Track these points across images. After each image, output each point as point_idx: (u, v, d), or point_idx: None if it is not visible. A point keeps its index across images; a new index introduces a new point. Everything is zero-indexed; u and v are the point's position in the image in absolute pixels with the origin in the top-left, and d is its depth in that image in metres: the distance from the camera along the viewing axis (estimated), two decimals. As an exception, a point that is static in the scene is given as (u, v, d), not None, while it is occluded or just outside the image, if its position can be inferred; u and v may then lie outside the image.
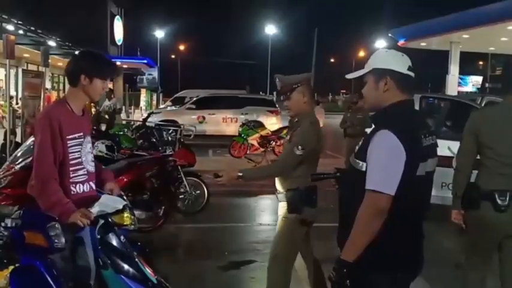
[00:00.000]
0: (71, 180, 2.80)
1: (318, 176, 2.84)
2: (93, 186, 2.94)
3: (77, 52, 3.34)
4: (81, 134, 2.87)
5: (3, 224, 2.16)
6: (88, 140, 2.94)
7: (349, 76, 2.48)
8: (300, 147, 3.18)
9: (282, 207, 3.33)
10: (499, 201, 2.94)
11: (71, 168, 2.80)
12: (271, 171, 3.43)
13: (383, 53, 2.36)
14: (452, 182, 3.26)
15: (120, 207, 2.89)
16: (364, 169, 2.12)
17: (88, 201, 2.78)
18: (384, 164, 2.06)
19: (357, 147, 2.27)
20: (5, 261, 2.37)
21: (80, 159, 2.85)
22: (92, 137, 3.53)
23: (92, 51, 3.19)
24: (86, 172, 2.88)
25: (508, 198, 2.94)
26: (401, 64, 2.24)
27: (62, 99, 2.98)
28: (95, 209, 2.70)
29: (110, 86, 23.64)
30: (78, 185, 2.83)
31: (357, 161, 2.19)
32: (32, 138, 5.35)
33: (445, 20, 15.45)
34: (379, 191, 2.04)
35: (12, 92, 16.46)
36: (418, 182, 2.13)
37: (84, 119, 2.98)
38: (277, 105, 17.15)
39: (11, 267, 2.25)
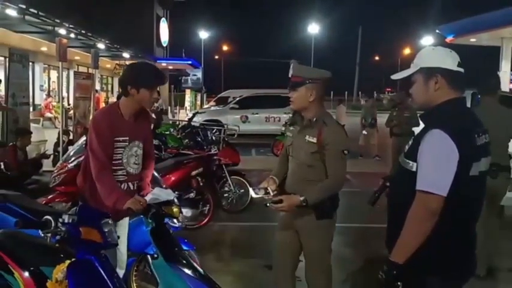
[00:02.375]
0: None
1: (374, 197, 2.76)
2: (131, 187, 3.12)
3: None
4: (127, 138, 3.03)
5: (60, 220, 2.26)
6: (134, 144, 3.09)
7: (395, 77, 2.40)
8: (345, 151, 3.05)
9: (302, 214, 3.09)
10: None
11: (113, 168, 3.00)
12: (334, 187, 3.09)
13: (430, 50, 2.29)
14: None
15: (172, 197, 3.10)
16: (414, 169, 2.08)
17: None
18: (436, 164, 2.01)
19: (407, 147, 2.22)
20: (62, 255, 2.48)
21: (120, 161, 3.04)
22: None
23: (141, 62, 3.34)
24: (125, 173, 3.07)
25: None
26: (450, 61, 2.18)
27: (115, 103, 3.12)
28: (148, 197, 2.94)
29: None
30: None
31: (407, 161, 2.15)
32: (83, 138, 5.56)
33: (495, 14, 14.84)
34: (430, 192, 1.99)
35: (64, 94, 17.09)
36: (471, 182, 2.07)
37: (136, 124, 3.10)
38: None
39: (68, 262, 2.35)
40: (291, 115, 3.37)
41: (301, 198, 2.96)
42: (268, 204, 3.03)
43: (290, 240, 3.28)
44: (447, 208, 2.01)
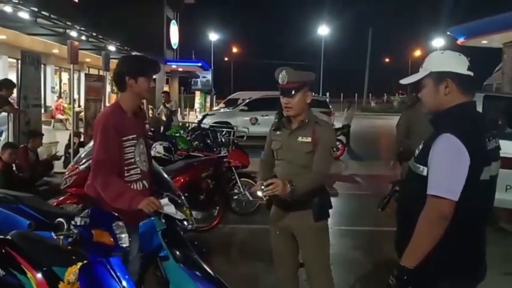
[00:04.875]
0: (125, 179, 2.97)
1: (384, 202, 2.76)
2: (146, 185, 3.10)
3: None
4: (135, 135, 3.02)
5: (73, 222, 2.27)
6: (141, 142, 3.09)
7: (404, 81, 2.38)
8: (334, 149, 3.18)
9: (298, 218, 3.12)
10: None
11: (125, 168, 2.98)
12: (319, 180, 3.12)
13: (439, 54, 2.28)
14: None
15: (178, 217, 3.04)
16: (425, 174, 2.08)
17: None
18: (447, 168, 2.01)
19: (417, 151, 2.22)
20: (74, 257, 2.50)
21: (133, 159, 3.01)
22: (150, 139, 3.65)
23: (131, 54, 3.39)
24: (139, 171, 3.04)
25: None
26: (460, 64, 2.17)
27: (116, 103, 3.12)
28: (163, 200, 2.90)
29: (166, 88, 24.28)
30: (132, 184, 3.00)
31: (418, 165, 2.15)
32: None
33: (508, 16, 14.73)
34: (442, 197, 1.99)
35: (75, 95, 17.19)
36: (482, 187, 2.07)
37: (138, 121, 3.11)
38: (330, 106, 17.00)
39: (80, 264, 2.36)
40: (276, 120, 3.34)
41: (288, 182, 2.88)
42: (264, 194, 2.91)
43: (288, 243, 3.30)
44: (458, 212, 2.01)
